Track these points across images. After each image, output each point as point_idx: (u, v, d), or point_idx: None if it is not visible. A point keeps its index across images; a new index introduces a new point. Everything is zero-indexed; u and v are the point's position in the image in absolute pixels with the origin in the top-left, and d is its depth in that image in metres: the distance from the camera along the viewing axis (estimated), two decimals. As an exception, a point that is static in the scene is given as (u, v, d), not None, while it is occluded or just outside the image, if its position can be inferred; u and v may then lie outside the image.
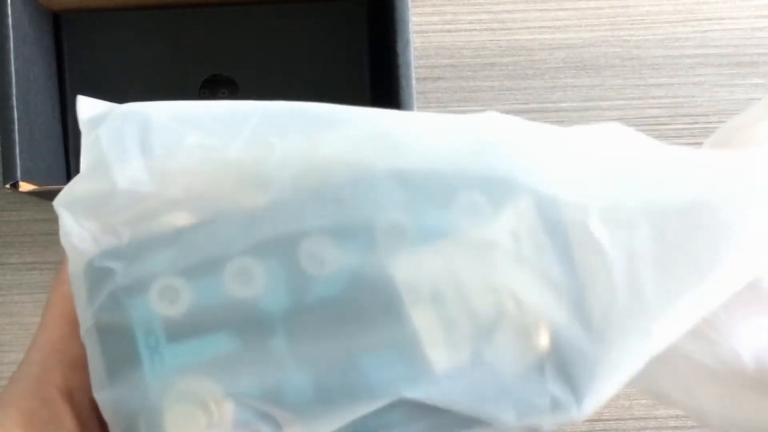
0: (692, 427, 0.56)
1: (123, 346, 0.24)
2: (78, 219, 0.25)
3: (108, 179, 0.25)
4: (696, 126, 0.57)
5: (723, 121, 0.57)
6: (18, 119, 0.46)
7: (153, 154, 0.25)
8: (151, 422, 0.24)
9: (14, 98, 0.46)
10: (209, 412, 0.24)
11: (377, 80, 0.55)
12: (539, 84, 0.57)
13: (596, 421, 0.56)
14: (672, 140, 0.57)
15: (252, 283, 0.24)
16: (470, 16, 0.57)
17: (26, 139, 0.47)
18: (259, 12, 0.55)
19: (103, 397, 0.25)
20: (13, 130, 0.46)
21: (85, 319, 0.25)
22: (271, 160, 0.25)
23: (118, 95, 0.55)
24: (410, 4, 0.49)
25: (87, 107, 0.26)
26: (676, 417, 0.56)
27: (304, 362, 0.24)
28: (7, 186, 0.46)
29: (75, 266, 0.25)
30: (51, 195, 0.51)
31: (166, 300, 0.24)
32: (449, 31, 0.57)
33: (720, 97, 0.57)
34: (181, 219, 0.25)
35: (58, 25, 0.55)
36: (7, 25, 0.47)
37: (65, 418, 0.26)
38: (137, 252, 0.24)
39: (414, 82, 0.48)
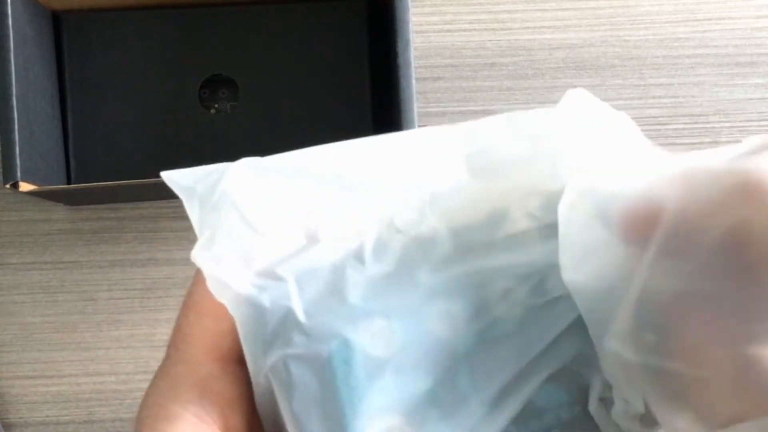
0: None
1: (320, 386, 0.24)
2: (239, 266, 0.25)
3: (258, 220, 0.25)
4: (696, 126, 0.57)
5: (723, 121, 0.57)
6: (18, 119, 0.46)
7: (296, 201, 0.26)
8: None
9: (14, 98, 0.46)
10: None
11: (377, 80, 0.55)
12: (539, 84, 0.57)
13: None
14: (672, 140, 0.57)
15: (451, 323, 0.25)
16: (470, 16, 0.57)
17: (26, 139, 0.47)
18: (259, 12, 0.55)
19: None
20: (13, 130, 0.46)
21: (277, 365, 0.25)
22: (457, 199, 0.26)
23: (118, 95, 0.55)
24: (410, 4, 0.49)
25: (178, 178, 0.27)
26: None
27: (485, 396, 0.25)
28: (7, 186, 0.46)
29: (250, 314, 0.25)
30: (51, 195, 0.51)
31: (373, 338, 0.25)
32: (449, 31, 0.57)
33: (720, 97, 0.57)
34: (371, 265, 0.26)
35: (58, 25, 0.55)
36: (7, 25, 0.47)
37: None
38: (338, 298, 0.25)
39: (414, 82, 0.48)
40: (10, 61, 0.47)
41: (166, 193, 0.57)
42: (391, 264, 0.25)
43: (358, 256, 0.25)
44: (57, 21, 0.55)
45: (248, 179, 0.25)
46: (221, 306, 0.25)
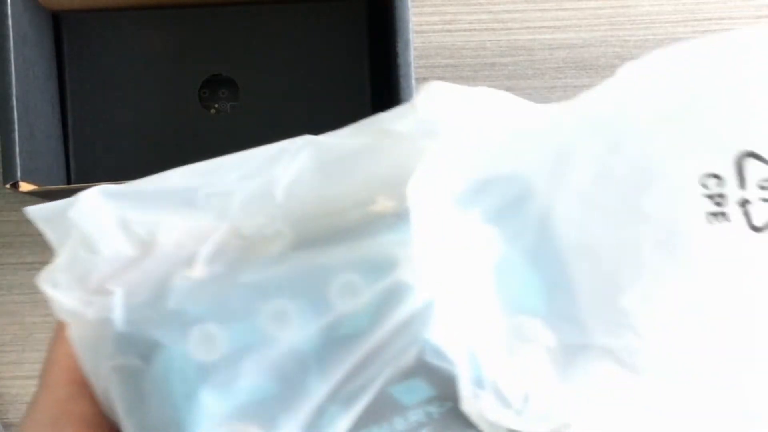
0: (692, 427, 0.56)
1: (157, 398, 0.24)
2: (73, 286, 0.26)
3: (95, 249, 0.26)
4: (696, 126, 0.57)
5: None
6: (18, 119, 0.46)
7: (140, 216, 0.26)
8: None
9: (14, 98, 0.46)
10: None
11: (377, 80, 0.55)
12: (539, 84, 0.57)
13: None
14: (672, 140, 0.57)
15: (287, 324, 0.24)
16: (470, 16, 0.57)
17: (26, 139, 0.47)
18: (259, 12, 0.55)
19: None
20: (13, 130, 0.46)
21: (106, 376, 0.25)
22: (274, 201, 0.26)
23: (118, 95, 0.55)
24: (410, 4, 0.49)
25: (38, 212, 0.28)
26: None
27: (342, 396, 0.24)
28: (7, 186, 0.46)
29: (82, 329, 0.25)
30: (51, 195, 0.51)
31: (204, 347, 0.24)
32: (449, 31, 0.57)
33: (720, 97, 0.57)
34: (200, 270, 0.25)
35: (58, 25, 0.55)
36: (7, 25, 0.47)
37: None
38: (159, 306, 0.25)
39: (414, 82, 0.48)
40: (10, 61, 0.47)
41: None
42: (222, 267, 0.25)
43: (189, 263, 0.25)
44: (57, 21, 0.55)
45: (97, 205, 0.26)
46: None
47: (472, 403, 0.25)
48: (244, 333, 0.24)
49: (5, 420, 0.55)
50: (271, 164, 0.27)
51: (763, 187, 0.26)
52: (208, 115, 0.55)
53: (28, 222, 0.60)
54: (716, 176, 0.26)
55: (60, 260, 0.26)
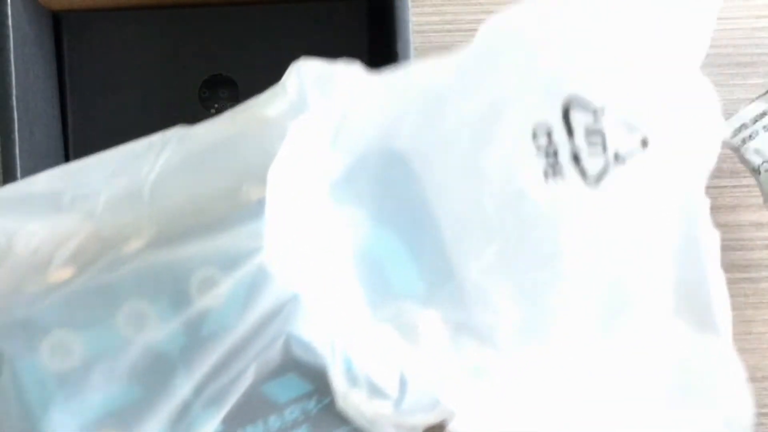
0: (692, 427, 0.56)
1: (11, 411, 0.23)
2: None
3: None
4: (696, 126, 0.57)
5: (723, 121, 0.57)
6: (18, 119, 0.46)
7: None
8: None
9: (14, 98, 0.46)
10: None
11: (377, 80, 0.55)
12: (539, 84, 0.57)
13: (596, 421, 0.56)
14: (672, 140, 0.57)
15: (145, 324, 0.23)
16: (470, 16, 0.57)
17: (26, 139, 0.47)
18: (259, 12, 0.55)
19: None
20: (13, 130, 0.46)
21: None
22: (141, 199, 0.25)
23: (118, 95, 0.55)
24: (410, 4, 0.49)
25: None
26: (676, 417, 0.56)
27: (208, 395, 0.23)
28: (7, 186, 0.46)
29: None
30: (51, 195, 0.51)
31: (57, 355, 0.23)
32: (449, 31, 0.57)
33: (720, 97, 0.57)
34: (56, 274, 0.24)
35: (58, 25, 0.55)
36: (7, 25, 0.47)
37: None
38: (8, 316, 0.23)
39: (414, 82, 0.48)
40: (10, 61, 0.47)
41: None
42: (77, 271, 0.24)
43: (40, 268, 0.24)
44: (57, 21, 0.55)
45: None
46: None
47: (346, 398, 0.24)
48: (99, 338, 0.23)
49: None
50: (139, 161, 0.26)
51: (589, 136, 0.26)
52: (208, 115, 0.55)
53: (28, 222, 0.59)
54: (548, 130, 0.26)
55: None
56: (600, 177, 0.25)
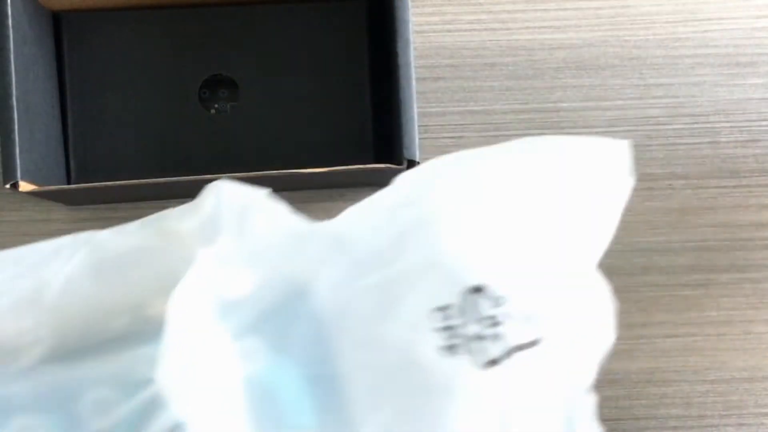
0: (692, 427, 0.56)
1: None
2: None
3: None
4: (696, 126, 0.57)
5: (723, 121, 0.57)
6: (18, 119, 0.46)
7: None
8: None
9: (14, 98, 0.46)
10: None
11: (377, 80, 0.55)
12: (539, 84, 0.57)
13: (596, 421, 0.56)
14: (672, 140, 0.57)
15: None
16: (470, 16, 0.57)
17: (26, 139, 0.47)
18: (259, 12, 0.55)
19: None
20: (13, 130, 0.46)
21: None
22: (43, 305, 0.24)
23: (118, 95, 0.55)
24: (410, 4, 0.49)
25: None
26: (677, 417, 0.56)
27: None
28: (7, 186, 0.46)
29: None
30: (51, 195, 0.51)
31: None
32: (449, 31, 0.57)
33: (720, 97, 0.57)
34: None
35: (58, 25, 0.55)
36: (7, 25, 0.47)
37: None
38: None
39: (414, 82, 0.48)
40: (10, 61, 0.47)
41: (166, 193, 0.57)
42: None
43: None
44: (57, 21, 0.55)
45: None
46: None
47: None
48: None
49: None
50: (46, 264, 0.25)
51: (487, 322, 0.27)
52: (208, 115, 0.55)
53: (28, 222, 0.60)
54: (449, 310, 0.26)
55: None
56: (493, 362, 0.27)
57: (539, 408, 0.28)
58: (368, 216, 0.27)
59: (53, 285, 0.25)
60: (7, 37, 0.47)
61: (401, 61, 0.48)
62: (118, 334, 0.24)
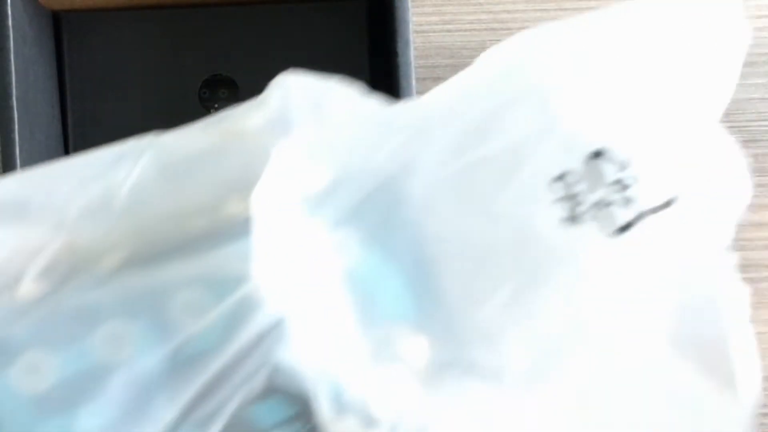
0: (692, 427, 0.56)
1: None
2: None
3: None
4: (696, 126, 0.57)
5: (723, 121, 0.57)
6: (18, 119, 0.46)
7: None
8: None
9: (14, 98, 0.46)
10: None
11: (377, 80, 0.55)
12: (539, 84, 0.57)
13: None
14: (672, 140, 0.57)
15: (124, 346, 0.22)
16: (470, 16, 0.57)
17: (26, 139, 0.47)
18: (259, 12, 0.55)
19: None
20: (13, 130, 0.46)
21: None
22: (115, 211, 0.23)
23: (118, 95, 0.55)
24: (410, 4, 0.49)
25: None
26: (676, 417, 0.56)
27: (192, 421, 0.22)
28: (7, 186, 0.46)
29: None
30: (51, 195, 0.51)
31: (30, 377, 0.22)
32: (449, 31, 0.57)
33: (720, 97, 0.57)
34: (27, 290, 0.23)
35: (58, 25, 0.55)
36: (7, 25, 0.47)
37: None
38: None
39: (414, 82, 0.48)
40: (10, 61, 0.47)
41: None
42: (51, 287, 0.23)
43: (10, 284, 0.23)
44: (57, 21, 0.55)
45: None
46: None
47: (333, 427, 0.24)
48: (75, 359, 0.22)
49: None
50: (111, 169, 0.24)
51: (612, 188, 0.25)
52: (208, 115, 0.55)
53: (28, 222, 0.59)
54: (570, 178, 0.25)
55: None
56: (623, 228, 0.25)
57: (676, 272, 0.26)
58: (459, 92, 0.25)
59: (122, 190, 0.24)
60: (7, 37, 0.47)
61: (401, 61, 0.48)
62: (199, 236, 0.23)
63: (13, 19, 0.47)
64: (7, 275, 0.23)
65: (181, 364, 0.22)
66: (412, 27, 0.49)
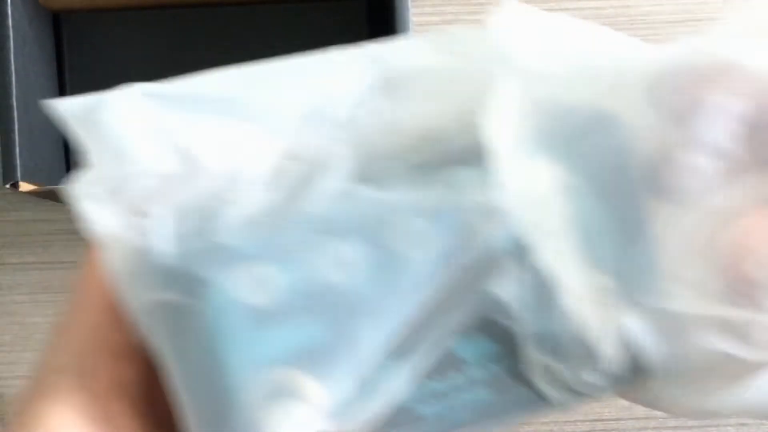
0: (692, 427, 0.56)
1: (201, 338, 0.22)
2: (110, 203, 0.23)
3: (134, 160, 0.22)
4: (696, 126, 0.57)
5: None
6: (18, 119, 0.46)
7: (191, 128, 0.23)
8: (238, 418, 0.21)
9: (14, 98, 0.46)
10: (304, 406, 0.22)
11: (377, 80, 0.55)
12: (539, 84, 0.57)
13: (596, 421, 0.56)
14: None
15: (348, 269, 0.22)
16: (470, 16, 0.57)
17: (26, 139, 0.47)
18: (259, 12, 0.55)
19: (185, 396, 0.22)
20: (13, 130, 0.46)
21: (147, 309, 0.22)
22: (340, 121, 0.22)
23: (118, 95, 0.55)
24: (410, 4, 0.49)
25: (67, 108, 0.24)
26: (677, 417, 0.55)
27: (393, 348, 0.22)
28: (7, 186, 0.46)
29: (120, 255, 0.23)
30: (51, 195, 0.51)
31: (253, 286, 0.22)
32: (449, 31, 0.57)
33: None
34: (256, 198, 0.22)
35: (58, 25, 0.55)
36: (7, 25, 0.47)
37: (117, 415, 0.23)
38: (209, 239, 0.22)
39: (414, 82, 0.48)
40: (10, 61, 0.47)
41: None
42: (279, 198, 0.22)
43: (241, 189, 0.22)
44: (57, 21, 0.55)
45: (135, 107, 0.23)
46: (104, 291, 0.24)
47: (546, 369, 0.23)
48: (299, 276, 0.22)
49: (5, 420, 0.55)
50: (334, 78, 0.23)
51: None
52: (208, 115, 0.56)
53: (28, 222, 0.60)
54: None
55: (95, 171, 0.23)
56: None
57: None
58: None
59: (346, 99, 0.23)
60: (7, 37, 0.47)
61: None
62: (430, 161, 0.23)
63: (13, 19, 0.47)
64: (229, 177, 0.22)
65: (394, 291, 0.22)
66: (412, 27, 0.49)
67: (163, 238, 0.22)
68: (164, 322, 0.22)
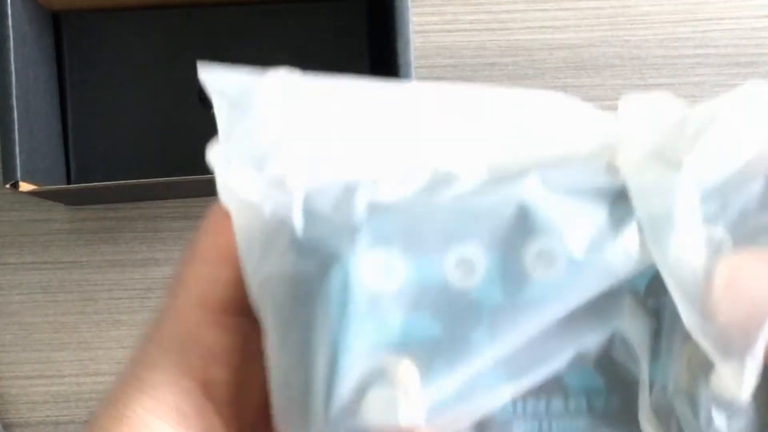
0: (692, 427, 0.56)
1: (317, 312, 0.22)
2: (247, 171, 0.23)
3: (280, 127, 0.23)
4: (696, 126, 0.57)
5: (723, 121, 0.57)
6: (18, 119, 0.46)
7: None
8: (338, 396, 0.22)
9: (14, 98, 0.46)
10: (408, 396, 0.22)
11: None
12: (539, 84, 0.57)
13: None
14: (672, 140, 0.57)
15: (472, 273, 0.22)
16: (470, 16, 0.57)
17: (26, 139, 0.47)
18: (259, 12, 0.55)
19: (285, 371, 0.22)
20: (13, 130, 0.46)
21: (269, 278, 0.23)
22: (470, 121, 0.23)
23: (118, 95, 0.55)
24: (410, 4, 0.49)
25: (215, 82, 0.25)
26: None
27: (501, 360, 0.22)
28: (7, 186, 0.46)
29: (252, 223, 0.23)
30: (51, 195, 0.51)
31: (379, 271, 0.22)
32: (449, 31, 0.57)
33: (720, 97, 0.57)
34: (391, 189, 0.23)
35: (58, 25, 0.55)
36: (7, 25, 0.47)
37: (207, 413, 0.24)
38: (346, 219, 0.22)
39: (414, 82, 0.48)
40: (10, 61, 0.47)
41: (166, 193, 0.57)
42: (412, 192, 0.23)
43: (377, 179, 0.23)
44: (57, 21, 0.55)
45: (285, 88, 0.24)
46: (220, 252, 0.24)
47: (653, 416, 0.22)
48: (424, 270, 0.22)
49: (5, 420, 0.55)
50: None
51: None
52: (208, 115, 0.55)
53: (28, 222, 0.60)
54: None
55: (235, 137, 0.23)
56: None
57: None
58: None
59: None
60: (7, 37, 0.47)
61: (401, 61, 0.48)
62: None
63: (13, 19, 0.47)
64: (366, 168, 0.23)
65: (514, 304, 0.22)
66: (412, 27, 0.49)
67: (300, 212, 0.23)
68: (286, 293, 0.22)
